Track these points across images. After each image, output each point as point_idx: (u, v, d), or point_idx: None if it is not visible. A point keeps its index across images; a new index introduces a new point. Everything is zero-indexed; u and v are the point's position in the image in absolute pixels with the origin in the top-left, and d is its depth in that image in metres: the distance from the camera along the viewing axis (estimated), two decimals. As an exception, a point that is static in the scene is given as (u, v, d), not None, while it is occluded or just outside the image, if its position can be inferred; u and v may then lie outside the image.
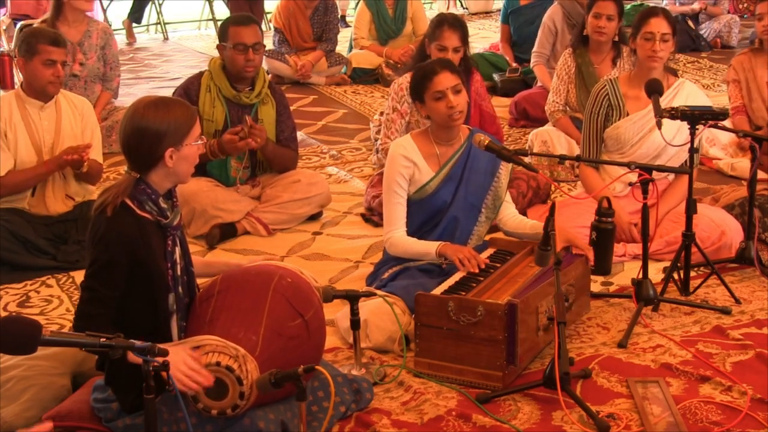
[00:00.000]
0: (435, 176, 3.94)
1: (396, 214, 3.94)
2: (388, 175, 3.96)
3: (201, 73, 4.89)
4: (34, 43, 4.49)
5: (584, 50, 5.66)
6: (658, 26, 4.38)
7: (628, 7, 8.69)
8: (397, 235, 3.92)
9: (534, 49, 6.79)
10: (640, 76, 4.47)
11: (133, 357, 2.69)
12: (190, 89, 4.80)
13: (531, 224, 4.00)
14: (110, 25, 10.84)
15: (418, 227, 3.98)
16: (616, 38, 5.62)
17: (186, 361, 2.75)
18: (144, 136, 2.88)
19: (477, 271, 3.67)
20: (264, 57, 8.14)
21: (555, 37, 6.70)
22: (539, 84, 6.73)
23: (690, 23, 9.32)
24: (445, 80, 3.85)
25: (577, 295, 3.67)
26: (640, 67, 4.49)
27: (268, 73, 8.10)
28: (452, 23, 4.96)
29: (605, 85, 4.55)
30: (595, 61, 5.64)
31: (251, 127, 4.68)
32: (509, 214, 4.05)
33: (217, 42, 4.88)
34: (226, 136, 4.69)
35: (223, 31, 4.83)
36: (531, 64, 6.88)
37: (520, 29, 7.68)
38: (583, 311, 3.83)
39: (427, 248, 3.83)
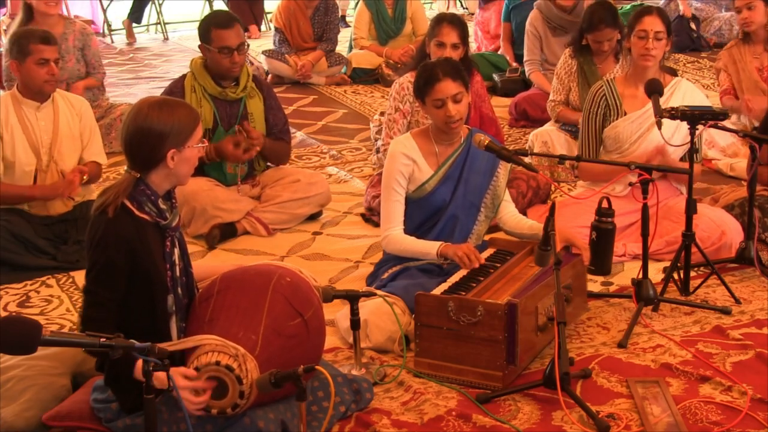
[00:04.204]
0: (433, 175, 3.95)
1: (394, 211, 3.94)
2: (387, 172, 3.96)
3: (183, 76, 4.86)
4: (26, 44, 4.48)
5: (585, 48, 5.66)
6: (652, 24, 4.39)
7: (627, 6, 8.70)
8: (394, 233, 3.92)
9: (525, 57, 6.83)
10: (636, 75, 4.48)
11: (138, 374, 2.74)
12: (174, 93, 4.74)
13: (529, 224, 4.00)
14: (110, 25, 10.94)
15: (417, 226, 3.98)
16: (618, 36, 5.63)
17: (182, 381, 2.76)
18: (146, 136, 2.88)
19: (477, 266, 3.67)
20: (264, 57, 8.21)
21: (540, 41, 6.73)
22: (537, 86, 6.74)
23: (692, 24, 9.28)
24: (446, 89, 3.84)
25: (573, 296, 3.66)
26: (635, 67, 4.50)
27: (267, 73, 8.18)
28: (451, 20, 5.00)
29: (602, 86, 4.56)
30: (597, 60, 5.64)
31: (248, 133, 4.69)
32: (509, 213, 4.06)
33: (199, 42, 4.82)
34: (228, 147, 4.69)
35: (205, 32, 4.75)
36: (526, 73, 6.90)
37: (521, 25, 7.67)
38: (581, 311, 3.83)
39: (428, 249, 3.83)
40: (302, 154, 6.21)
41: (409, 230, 3.96)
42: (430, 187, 3.95)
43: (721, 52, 5.93)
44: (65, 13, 7.91)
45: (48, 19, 6.01)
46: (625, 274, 4.25)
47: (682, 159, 4.41)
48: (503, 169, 4.00)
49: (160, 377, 2.62)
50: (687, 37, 9.14)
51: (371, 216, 4.99)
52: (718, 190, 4.88)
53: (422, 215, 3.98)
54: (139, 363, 2.78)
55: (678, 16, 9.14)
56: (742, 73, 5.64)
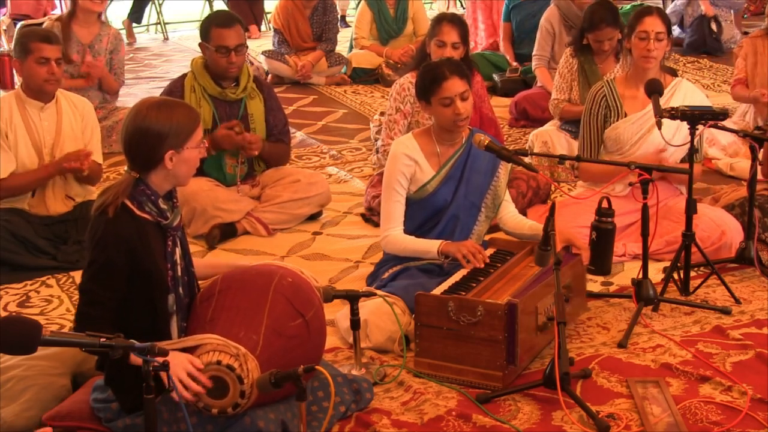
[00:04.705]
0: (435, 176, 3.95)
1: (395, 212, 3.94)
2: (389, 172, 3.96)
3: (184, 76, 4.86)
4: (27, 42, 4.50)
5: (586, 47, 5.66)
6: (653, 25, 4.37)
7: (627, 6, 8.69)
8: (395, 233, 3.92)
9: (534, 52, 6.80)
10: (636, 76, 4.47)
11: (134, 358, 2.71)
12: (173, 93, 4.74)
13: (530, 224, 4.00)
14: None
15: (418, 226, 3.98)
16: (619, 36, 5.62)
17: (185, 365, 2.76)
18: (145, 137, 2.89)
19: (482, 266, 3.67)
20: (264, 57, 8.21)
21: (553, 38, 6.71)
22: (539, 84, 6.74)
23: (713, 26, 9.17)
24: (454, 86, 3.83)
25: (573, 296, 3.66)
26: (635, 67, 4.49)
27: (267, 73, 8.18)
28: (451, 20, 5.00)
29: (602, 87, 4.56)
30: (598, 59, 5.64)
31: (242, 133, 4.70)
32: (509, 213, 4.06)
33: (200, 40, 4.83)
34: (220, 131, 4.70)
35: (206, 30, 4.77)
36: (533, 68, 6.88)
37: (521, 24, 7.67)
38: (580, 311, 3.83)
39: (428, 247, 3.83)
40: (302, 154, 6.21)
41: (409, 230, 3.95)
42: (432, 187, 3.95)
43: (744, 39, 5.85)
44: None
45: (89, 16, 6.15)
46: (625, 274, 4.25)
47: (682, 160, 4.41)
48: (504, 170, 4.00)
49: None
50: (702, 39, 9.04)
51: (371, 216, 4.99)
52: (718, 190, 4.88)
53: (423, 215, 3.98)
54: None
55: (699, 15, 9.07)
56: (759, 66, 5.59)
